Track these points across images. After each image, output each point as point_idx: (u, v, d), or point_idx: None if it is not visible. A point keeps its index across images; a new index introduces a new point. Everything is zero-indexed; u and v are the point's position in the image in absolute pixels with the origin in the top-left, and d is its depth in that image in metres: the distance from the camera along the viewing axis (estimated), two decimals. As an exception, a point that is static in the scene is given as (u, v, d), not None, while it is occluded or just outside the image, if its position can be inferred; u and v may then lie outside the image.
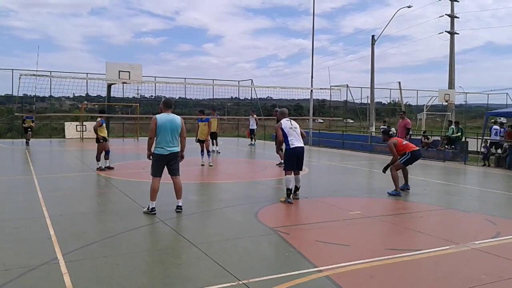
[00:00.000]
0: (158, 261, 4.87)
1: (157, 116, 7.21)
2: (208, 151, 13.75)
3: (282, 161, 12.07)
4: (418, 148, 9.86)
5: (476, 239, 5.88)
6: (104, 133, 12.55)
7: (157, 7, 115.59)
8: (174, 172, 7.36)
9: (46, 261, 4.76)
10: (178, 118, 7.28)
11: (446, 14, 33.02)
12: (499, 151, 16.47)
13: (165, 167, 7.32)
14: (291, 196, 8.25)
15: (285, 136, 8.34)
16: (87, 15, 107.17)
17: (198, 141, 13.94)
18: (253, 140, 22.53)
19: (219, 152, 18.00)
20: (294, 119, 8.87)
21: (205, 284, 4.16)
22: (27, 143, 21.15)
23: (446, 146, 18.29)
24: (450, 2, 32.85)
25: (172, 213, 7.15)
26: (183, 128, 7.31)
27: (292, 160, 8.30)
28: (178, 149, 7.28)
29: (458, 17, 33.16)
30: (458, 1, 33.11)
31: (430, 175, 12.93)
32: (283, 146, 8.68)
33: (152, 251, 5.26)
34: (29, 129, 21.72)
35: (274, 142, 8.88)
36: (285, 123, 8.47)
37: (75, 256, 4.94)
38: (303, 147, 8.39)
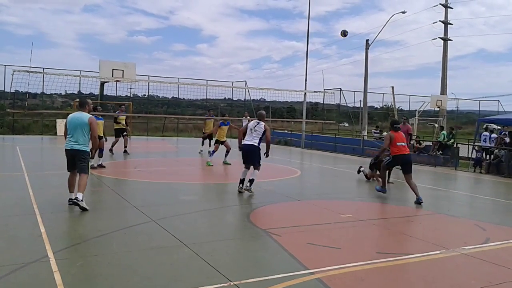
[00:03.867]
0: (149, 261, 4.85)
1: (70, 114, 7.59)
2: (213, 151, 14.40)
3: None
4: (406, 153, 9.65)
5: (466, 244, 5.93)
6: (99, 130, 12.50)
7: (151, 6, 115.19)
8: (78, 170, 7.32)
9: (37, 258, 4.72)
10: (86, 116, 7.33)
11: (439, 21, 33.30)
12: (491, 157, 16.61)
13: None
14: (240, 185, 9.12)
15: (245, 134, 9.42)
16: (80, 12, 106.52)
17: (217, 142, 14.73)
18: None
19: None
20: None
21: (197, 284, 4.15)
22: (125, 151, 16.34)
23: (438, 152, 18.42)
24: (444, 8, 33.15)
25: (164, 212, 7.13)
26: (93, 126, 7.30)
27: (243, 155, 9.35)
28: (81, 147, 7.22)
29: (451, 24, 33.47)
30: (452, 8, 33.42)
31: (421, 180, 12.99)
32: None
33: (143, 250, 5.24)
34: (125, 132, 16.67)
35: (267, 144, 9.43)
36: (251, 124, 9.42)
37: (66, 254, 4.92)
38: (250, 144, 9.14)
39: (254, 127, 9.24)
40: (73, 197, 7.18)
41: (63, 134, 7.56)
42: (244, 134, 9.50)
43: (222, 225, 6.75)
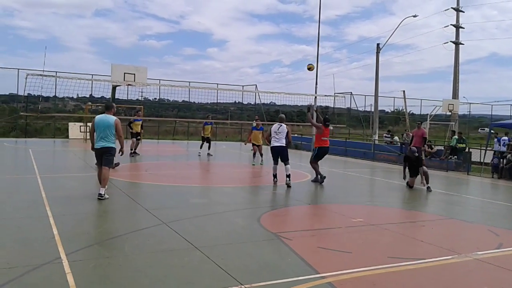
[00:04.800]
0: (160, 263, 4.87)
1: (96, 116, 8.70)
2: (260, 154, 16.35)
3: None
4: (328, 146, 11.92)
5: (478, 249, 5.88)
6: None
7: (162, 11, 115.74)
8: (103, 163, 8.45)
9: (49, 260, 4.77)
10: (112, 119, 8.49)
11: (451, 24, 33.10)
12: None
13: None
14: (275, 179, 11.12)
15: (271, 137, 11.18)
16: (91, 16, 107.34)
17: (253, 144, 16.51)
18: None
19: (211, 155, 18.49)
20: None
21: (208, 287, 4.17)
22: (133, 153, 16.86)
23: (450, 156, 18.27)
24: (455, 12, 32.95)
25: (175, 215, 7.16)
26: (118, 128, 8.48)
27: (273, 155, 11.19)
28: (109, 144, 8.42)
29: (463, 28, 33.24)
30: (463, 12, 33.21)
31: (432, 185, 12.88)
32: None
33: (154, 253, 5.26)
34: (138, 136, 17.40)
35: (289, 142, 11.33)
36: (274, 127, 11.19)
37: (78, 256, 4.95)
38: (279, 146, 10.97)
39: (277, 130, 11.02)
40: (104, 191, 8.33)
41: (89, 132, 8.72)
42: (268, 137, 11.50)
43: (233, 228, 6.76)
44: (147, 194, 9.43)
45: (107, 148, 8.38)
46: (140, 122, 17.61)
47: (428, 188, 11.21)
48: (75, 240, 5.57)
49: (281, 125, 11.06)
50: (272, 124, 11.56)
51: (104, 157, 8.39)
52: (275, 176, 11.12)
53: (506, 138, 18.52)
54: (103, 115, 8.57)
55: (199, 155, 18.63)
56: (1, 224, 6.33)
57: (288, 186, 10.60)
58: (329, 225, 7.05)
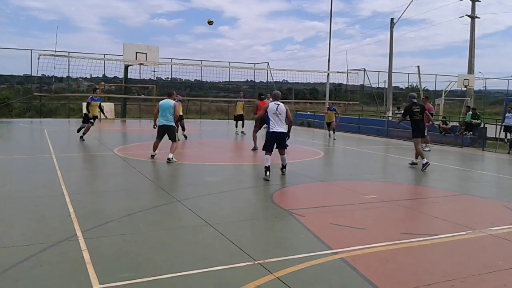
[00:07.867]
0: (175, 240, 4.93)
1: (161, 101, 11.03)
2: (333, 129, 18.79)
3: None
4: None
5: (493, 225, 5.83)
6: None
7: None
8: (169, 138, 10.83)
9: (66, 237, 4.85)
10: (172, 102, 10.79)
11: (467, -3, 32.24)
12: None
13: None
14: (267, 173, 8.66)
15: (267, 119, 8.99)
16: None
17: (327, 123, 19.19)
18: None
19: (245, 133, 18.37)
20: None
21: (221, 263, 4.21)
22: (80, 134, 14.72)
23: (465, 132, 18.05)
24: (472, -16, 32.06)
25: (189, 193, 7.22)
26: (176, 108, 10.82)
27: (270, 143, 8.90)
28: (170, 123, 10.70)
29: (479, 1, 32.37)
30: (480, -16, 32.27)
31: (447, 161, 12.80)
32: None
33: (169, 230, 5.33)
34: (91, 120, 14.70)
35: (289, 126, 9.31)
36: (272, 107, 8.86)
37: (94, 234, 5.03)
38: (282, 132, 8.86)
39: (276, 110, 8.77)
40: (154, 154, 10.82)
41: (154, 113, 11.18)
42: (262, 120, 10.49)
43: (246, 205, 6.79)
44: (161, 172, 9.50)
45: (167, 126, 10.66)
46: (98, 102, 15.01)
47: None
48: (91, 218, 5.65)
49: (278, 104, 8.84)
50: (284, 102, 9.54)
51: (169, 134, 10.74)
52: (268, 169, 8.71)
53: (509, 114, 18.35)
54: (166, 99, 10.82)
55: (237, 134, 18.89)
56: (18, 203, 6.46)
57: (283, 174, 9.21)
58: (341, 202, 7.04)
